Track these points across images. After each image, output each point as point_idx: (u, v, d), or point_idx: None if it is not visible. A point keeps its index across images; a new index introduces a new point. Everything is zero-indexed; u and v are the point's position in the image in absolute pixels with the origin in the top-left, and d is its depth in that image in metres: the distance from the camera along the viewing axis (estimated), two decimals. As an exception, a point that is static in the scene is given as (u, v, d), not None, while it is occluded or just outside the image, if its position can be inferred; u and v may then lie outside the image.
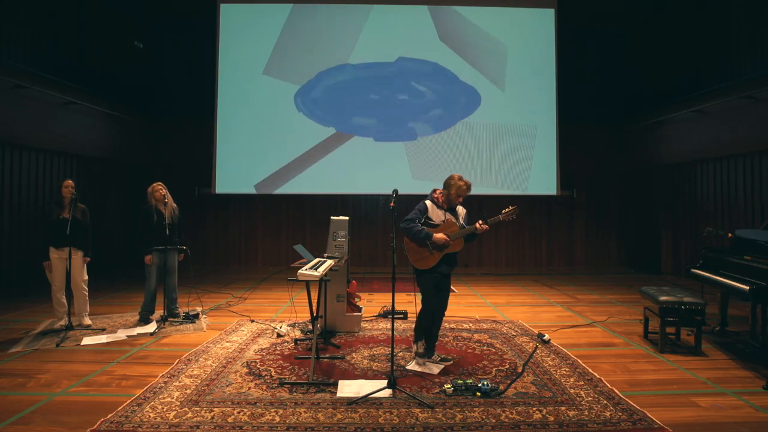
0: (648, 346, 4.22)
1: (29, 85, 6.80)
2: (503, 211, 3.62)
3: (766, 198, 6.74)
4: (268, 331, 4.61)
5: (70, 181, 4.71)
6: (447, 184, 3.65)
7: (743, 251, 4.14)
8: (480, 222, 3.52)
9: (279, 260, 9.80)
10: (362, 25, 9.20)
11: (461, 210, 3.76)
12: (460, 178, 3.60)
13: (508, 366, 3.65)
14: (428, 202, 3.67)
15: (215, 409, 2.85)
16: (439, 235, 3.52)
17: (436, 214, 3.63)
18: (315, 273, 3.41)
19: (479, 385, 3.09)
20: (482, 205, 9.80)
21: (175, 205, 5.06)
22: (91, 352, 4.00)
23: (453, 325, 4.88)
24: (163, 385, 3.23)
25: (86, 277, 4.79)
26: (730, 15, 7.50)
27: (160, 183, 5.05)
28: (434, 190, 3.74)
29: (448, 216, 3.64)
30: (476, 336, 4.49)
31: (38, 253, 7.06)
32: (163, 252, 4.90)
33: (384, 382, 3.12)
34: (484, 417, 2.76)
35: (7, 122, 6.64)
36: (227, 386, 3.21)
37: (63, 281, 4.59)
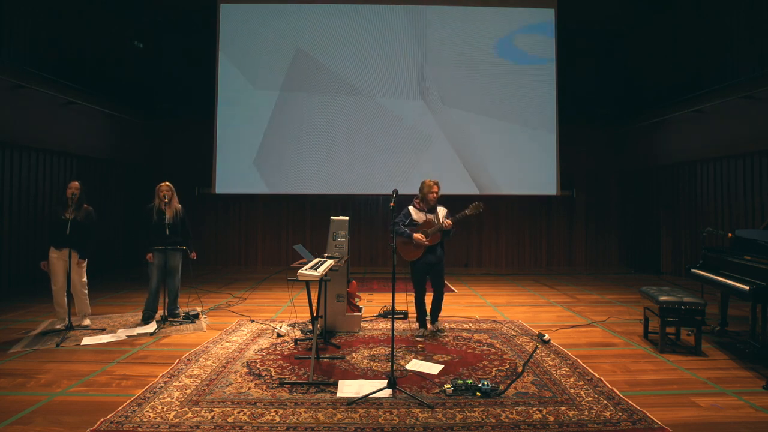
0: (648, 346, 4.22)
1: (29, 85, 6.80)
2: (470, 206, 4.26)
3: (766, 198, 6.74)
4: (268, 331, 4.61)
5: (76, 183, 4.68)
6: (419, 189, 4.40)
7: (743, 251, 4.14)
8: (447, 220, 4.24)
9: (279, 260, 9.80)
10: (360, 24, 9.20)
11: (441, 210, 4.40)
12: (430, 181, 4.35)
13: (508, 366, 3.65)
14: (411, 207, 4.43)
15: (215, 409, 2.85)
16: (417, 235, 4.30)
17: (419, 216, 4.38)
18: (315, 273, 3.41)
19: (479, 385, 3.09)
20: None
21: (179, 206, 5.04)
22: (91, 352, 4.00)
23: (453, 325, 4.88)
24: (163, 385, 3.23)
25: (85, 279, 4.77)
26: (730, 15, 7.50)
27: (167, 183, 5.02)
28: (415, 197, 4.46)
29: (429, 216, 4.34)
30: (476, 336, 4.49)
31: (39, 252, 7.12)
32: (163, 252, 4.90)
33: (384, 382, 3.12)
34: (484, 417, 2.76)
35: (7, 122, 6.64)
36: (227, 386, 3.21)
37: (64, 282, 4.59)
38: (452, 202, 4.76)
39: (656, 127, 9.09)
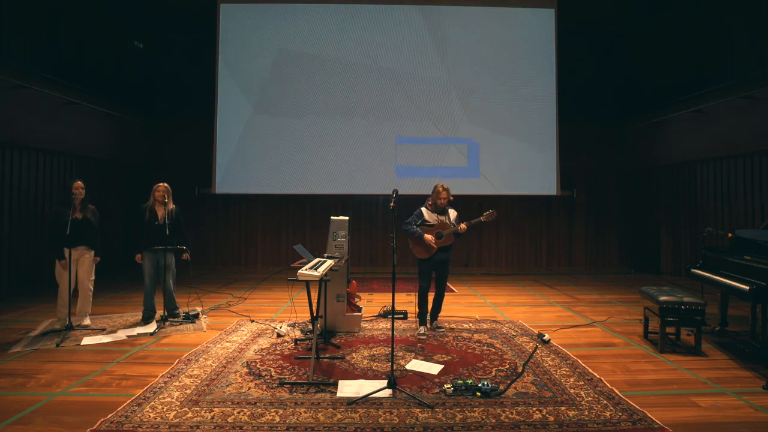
0: (648, 346, 4.22)
1: (29, 85, 6.80)
2: (484, 214, 4.50)
3: (766, 198, 6.74)
4: (268, 331, 4.62)
5: (80, 182, 4.70)
6: (432, 192, 4.62)
7: (743, 251, 4.14)
8: (462, 224, 4.45)
9: (279, 260, 9.80)
10: (361, 24, 9.20)
11: (452, 212, 4.63)
12: (440, 186, 4.57)
13: (508, 366, 3.65)
14: (423, 209, 4.63)
15: (215, 409, 2.85)
16: (428, 237, 4.48)
17: (431, 217, 4.56)
18: (315, 273, 3.41)
19: (479, 385, 3.09)
20: (482, 205, 9.82)
21: (173, 206, 5.04)
22: (91, 352, 4.00)
23: (453, 325, 4.88)
24: (163, 385, 3.23)
25: (93, 278, 4.81)
26: (730, 15, 7.50)
27: (164, 184, 5.02)
28: (428, 199, 4.66)
29: (441, 218, 4.55)
30: (476, 336, 4.49)
31: (39, 252, 7.14)
32: (156, 252, 4.89)
33: (384, 382, 3.12)
34: (484, 417, 2.76)
35: (7, 122, 6.64)
36: (227, 386, 3.21)
37: (69, 281, 4.60)
38: (452, 202, 4.77)
39: (656, 127, 9.09)
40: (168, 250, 4.95)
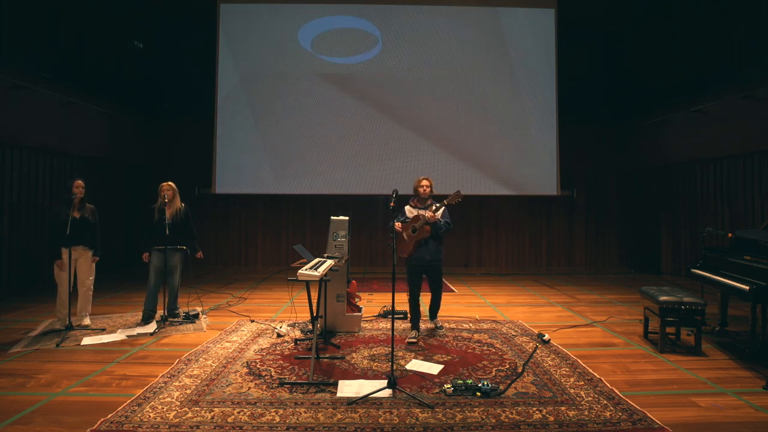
0: (648, 346, 4.22)
1: (29, 85, 6.80)
2: (450, 196, 4.26)
3: (766, 198, 6.74)
4: (268, 331, 4.61)
5: (81, 181, 4.69)
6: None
7: (743, 251, 4.14)
8: (428, 212, 4.28)
9: (279, 260, 9.80)
10: (362, 25, 9.20)
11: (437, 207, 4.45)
12: (420, 178, 4.50)
13: (508, 366, 3.65)
14: (407, 206, 4.57)
15: (215, 409, 2.85)
16: (397, 224, 4.38)
17: (411, 213, 4.48)
18: (315, 273, 3.41)
19: (479, 385, 3.09)
20: (481, 206, 9.84)
21: (181, 205, 5.03)
22: (91, 352, 4.00)
23: (453, 325, 4.88)
24: (163, 385, 3.23)
25: (92, 277, 4.80)
26: (731, 15, 7.50)
27: (168, 183, 5.02)
28: (412, 197, 4.60)
29: (421, 212, 4.38)
30: (476, 336, 4.49)
31: (39, 252, 7.14)
32: (162, 252, 4.90)
33: (384, 382, 3.12)
34: (484, 417, 2.76)
35: (7, 122, 6.64)
36: (227, 386, 3.21)
37: (69, 281, 4.60)
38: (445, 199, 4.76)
39: (656, 127, 9.09)
40: (175, 251, 4.96)
